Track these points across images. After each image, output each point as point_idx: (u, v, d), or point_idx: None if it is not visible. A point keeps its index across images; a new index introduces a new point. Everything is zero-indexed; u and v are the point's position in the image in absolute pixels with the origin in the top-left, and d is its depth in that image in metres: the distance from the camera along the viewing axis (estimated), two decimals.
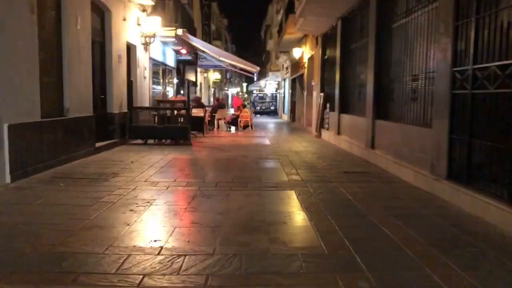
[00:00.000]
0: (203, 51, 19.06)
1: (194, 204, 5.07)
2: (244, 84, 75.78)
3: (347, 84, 11.31)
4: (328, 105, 13.58)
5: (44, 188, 5.75)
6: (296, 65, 22.24)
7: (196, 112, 15.09)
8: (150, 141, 11.78)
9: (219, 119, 17.32)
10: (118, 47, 10.94)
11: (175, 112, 12.69)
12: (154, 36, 13.43)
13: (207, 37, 21.80)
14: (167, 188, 5.86)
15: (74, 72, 8.14)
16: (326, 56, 14.22)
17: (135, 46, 12.71)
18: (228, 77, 60.61)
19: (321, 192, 5.81)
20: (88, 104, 8.86)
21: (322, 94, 14.45)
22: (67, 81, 7.85)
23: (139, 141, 11.70)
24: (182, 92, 22.15)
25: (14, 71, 6.07)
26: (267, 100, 42.53)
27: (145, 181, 6.34)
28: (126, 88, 11.75)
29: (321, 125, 14.27)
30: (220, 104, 17.57)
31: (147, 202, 5.05)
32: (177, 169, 7.57)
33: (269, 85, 38.70)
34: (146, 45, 13.49)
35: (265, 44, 51.65)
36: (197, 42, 15.25)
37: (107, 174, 6.77)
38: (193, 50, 18.50)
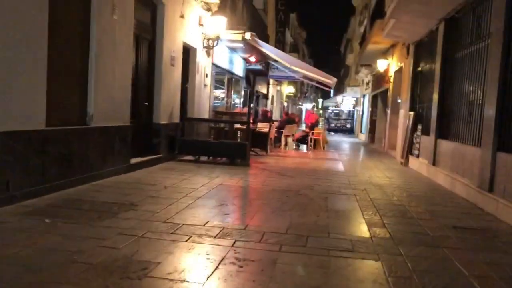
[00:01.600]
0: (275, 60, 17.31)
1: (216, 280, 3.11)
2: (320, 100, 73.29)
3: (449, 102, 8.84)
4: (419, 127, 11.08)
5: (18, 225, 4.11)
6: (379, 79, 19.73)
7: (261, 127, 13.27)
8: (204, 158, 10.10)
9: (287, 135, 15.36)
10: (171, 47, 9.42)
11: (235, 126, 10.93)
12: (218, 39, 11.84)
13: (281, 46, 20.02)
14: (187, 240, 3.97)
15: (105, 72, 6.61)
16: (419, 68, 11.75)
17: (194, 49, 11.19)
18: (304, 91, 58.67)
19: (427, 269, 3.59)
20: (123, 111, 7.31)
21: (411, 113, 11.97)
22: (92, 82, 6.32)
23: (190, 157, 10.06)
24: (252, 104, 20.57)
25: (4, 64, 4.56)
26: (343, 117, 39.92)
27: (164, 221, 4.51)
28: (179, 96, 10.20)
29: (409, 150, 11.77)
30: (289, 119, 15.61)
31: (143, 270, 3.17)
32: (217, 203, 5.68)
33: (346, 101, 36.15)
34: (208, 49, 11.93)
35: (344, 58, 49.19)
36: (268, 49, 13.48)
37: (121, 205, 5.05)
38: (264, 59, 16.78)
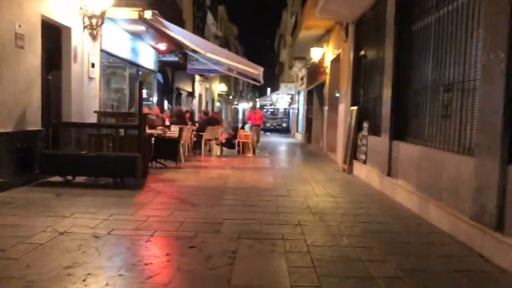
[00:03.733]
0: (193, 51, 14.57)
1: None
2: (258, 100, 71.38)
3: (408, 91, 6.57)
4: (365, 125, 8.84)
5: None
6: (314, 72, 17.59)
7: (173, 131, 10.51)
8: (83, 177, 7.19)
9: (208, 140, 12.66)
10: (15, 19, 6.42)
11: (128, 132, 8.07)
12: (103, 16, 8.92)
13: (201, 34, 17.28)
14: None
15: None
16: (362, 52, 9.52)
17: (68, 29, 8.22)
18: (238, 89, 56.21)
19: None
20: None
21: (354, 108, 9.73)
22: None
23: (59, 178, 7.11)
24: (168, 105, 17.66)
25: None
26: (279, 116, 37.96)
27: None
28: (39, 92, 7.20)
29: (353, 154, 9.51)
30: (210, 120, 12.91)
31: None
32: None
33: (281, 99, 34.10)
34: (92, 29, 8.97)
35: (278, 55, 47.35)
36: (178, 33, 10.70)
37: None
38: (179, 48, 13.97)
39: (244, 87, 68.12)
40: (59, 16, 7.81)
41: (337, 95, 13.21)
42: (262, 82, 13.29)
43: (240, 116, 59.00)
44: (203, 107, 23.44)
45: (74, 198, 5.89)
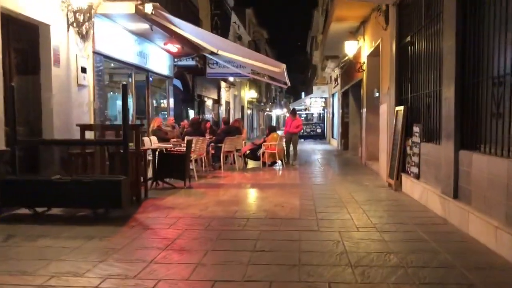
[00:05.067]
0: (212, 53, 13.05)
1: None
2: (291, 105, 69.52)
3: (483, 79, 4.67)
4: (416, 129, 6.95)
5: None
6: (348, 71, 15.70)
7: (175, 146, 8.97)
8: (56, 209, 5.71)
9: (228, 151, 11.03)
10: None
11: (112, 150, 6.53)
12: (91, 11, 7.51)
13: (222, 35, 15.73)
14: None
15: None
16: (407, 39, 7.63)
17: (46, 26, 6.82)
18: (271, 95, 54.58)
19: None
20: None
21: (400, 109, 7.85)
22: None
23: (27, 210, 5.65)
24: (191, 113, 16.20)
25: None
26: (313, 121, 35.94)
27: None
28: (0, 103, 5.79)
29: (400, 166, 7.62)
30: (229, 129, 11.27)
31: None
32: None
33: (315, 103, 32.14)
34: (79, 27, 7.56)
35: (311, 58, 45.45)
36: (187, 29, 9.16)
37: None
38: (195, 50, 12.47)
39: (277, 93, 66.46)
40: (32, 11, 6.42)
41: (377, 94, 11.33)
42: (289, 83, 11.56)
43: (274, 123, 57.31)
44: (225, 115, 21.90)
45: (23, 244, 4.38)
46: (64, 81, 7.23)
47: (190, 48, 12.13)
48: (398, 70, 8.18)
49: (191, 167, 8.67)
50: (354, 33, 12.69)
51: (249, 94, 32.69)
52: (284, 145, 12.39)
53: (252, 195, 7.30)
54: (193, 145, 8.74)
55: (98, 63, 8.36)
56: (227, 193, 7.52)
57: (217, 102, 21.23)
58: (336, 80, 21.24)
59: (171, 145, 9.11)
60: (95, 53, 8.23)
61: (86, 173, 6.31)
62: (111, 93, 10.51)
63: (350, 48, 12.38)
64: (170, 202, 6.62)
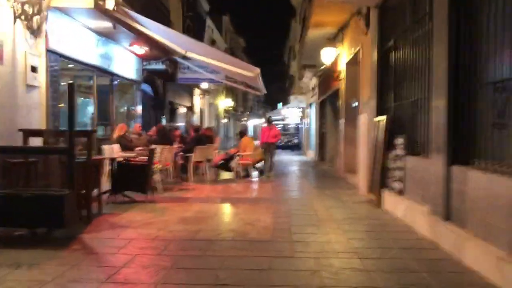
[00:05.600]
0: (183, 57, 12.35)
1: None
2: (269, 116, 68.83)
3: (481, 83, 4.11)
4: (400, 141, 6.38)
5: None
6: (326, 80, 15.22)
7: (140, 154, 8.19)
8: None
9: (198, 162, 10.28)
10: None
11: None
12: (41, 3, 6.74)
13: (192, 37, 15.00)
14: None
15: None
16: (390, 44, 7.11)
17: None
18: (248, 105, 53.96)
19: None
20: None
21: (381, 119, 7.30)
22: None
23: None
24: (163, 120, 15.39)
25: None
26: (290, 131, 35.51)
27: None
28: None
29: (382, 181, 7.03)
30: (200, 138, 10.53)
31: None
32: None
33: (292, 114, 31.67)
34: (29, 21, 6.76)
35: (288, 68, 45.14)
36: (150, 27, 8.41)
37: None
38: (164, 53, 11.73)
39: (255, 102, 65.92)
40: None
41: (355, 104, 10.82)
42: (264, 90, 10.97)
43: (251, 132, 56.64)
44: (197, 123, 21.13)
45: None
46: (8, 80, 6.38)
47: (159, 50, 11.37)
48: (380, 77, 7.64)
49: (157, 178, 7.91)
50: (332, 40, 12.19)
51: (224, 102, 31.99)
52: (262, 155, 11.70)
53: (220, 211, 6.57)
54: (157, 154, 7.98)
55: (52, 62, 7.52)
56: (192, 209, 6.76)
57: (190, 109, 20.45)
58: (313, 89, 20.78)
59: (135, 154, 8.31)
60: (49, 51, 7.40)
61: (28, 186, 5.49)
62: (81, 98, 9.75)
63: (327, 56, 11.86)
64: (125, 219, 5.84)
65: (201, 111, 23.12)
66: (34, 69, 6.99)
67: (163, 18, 12.04)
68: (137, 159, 8.02)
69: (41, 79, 7.21)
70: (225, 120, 35.38)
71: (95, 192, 6.21)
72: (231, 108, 34.54)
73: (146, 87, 14.60)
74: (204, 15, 18.87)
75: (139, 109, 12.28)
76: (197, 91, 21.08)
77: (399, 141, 6.39)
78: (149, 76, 13.71)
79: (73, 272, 3.67)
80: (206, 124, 21.28)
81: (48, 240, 4.72)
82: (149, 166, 7.28)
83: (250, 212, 6.58)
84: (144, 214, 6.24)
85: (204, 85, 20.15)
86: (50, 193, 4.78)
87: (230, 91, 33.64)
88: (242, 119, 50.38)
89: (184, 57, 12.51)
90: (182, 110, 19.62)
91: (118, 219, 5.82)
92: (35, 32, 7.00)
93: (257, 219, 5.99)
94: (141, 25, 8.45)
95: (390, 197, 6.69)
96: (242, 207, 6.96)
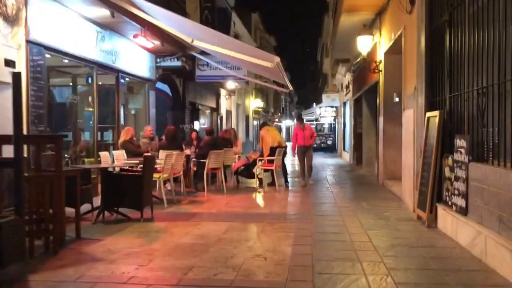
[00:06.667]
0: (201, 53, 11.19)
1: None
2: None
3: None
4: (461, 143, 4.83)
5: None
6: (362, 74, 13.64)
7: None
8: None
9: (214, 169, 8.98)
10: None
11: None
12: None
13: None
14: None
15: None
16: (444, 18, 5.55)
17: None
18: (280, 105, 52.57)
19: None
20: None
21: (434, 115, 5.76)
22: None
23: None
24: (187, 124, 14.25)
25: None
26: (324, 132, 33.78)
27: None
28: None
29: (434, 194, 5.49)
30: (215, 141, 9.21)
31: None
32: None
33: (326, 113, 29.99)
34: (4, 7, 5.67)
35: (321, 66, 43.43)
36: (155, 14, 7.18)
37: None
38: (179, 48, 10.53)
39: (287, 103, 64.34)
40: None
41: (397, 99, 9.27)
42: (290, 86, 9.56)
43: (284, 134, 55.05)
44: (229, 126, 19.90)
45: None
46: None
47: (172, 44, 10.19)
48: (430, 63, 6.10)
49: (168, 187, 6.68)
50: (368, 27, 10.64)
51: (254, 103, 30.72)
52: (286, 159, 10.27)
53: (227, 235, 5.23)
54: (159, 161, 6.74)
55: (35, 56, 6.41)
56: (193, 231, 5.44)
57: (215, 110, 19.26)
58: (347, 86, 19.18)
59: (137, 162, 7.08)
60: (30, 42, 6.29)
61: None
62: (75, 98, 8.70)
63: (363, 44, 10.29)
64: (103, 248, 4.58)
65: (228, 113, 21.91)
66: (9, 63, 5.89)
67: (177, 9, 10.84)
68: (138, 167, 6.82)
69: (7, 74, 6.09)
70: (255, 122, 34.09)
71: (80, 210, 5.00)
72: (261, 108, 33.19)
73: (163, 87, 13.50)
74: (228, 9, 17.61)
75: (152, 110, 11.13)
76: (222, 91, 19.87)
77: (460, 143, 4.84)
78: (166, 75, 12.59)
79: None
80: (232, 126, 20.03)
81: None
82: (146, 177, 6.01)
83: (265, 235, 5.19)
84: (131, 239, 4.96)
85: (231, 85, 18.96)
86: None
87: (260, 92, 32.34)
88: (274, 120, 49.00)
89: (203, 53, 11.31)
90: (205, 111, 18.47)
91: (94, 248, 4.57)
92: (10, 19, 5.89)
93: (272, 247, 4.59)
94: (143, 11, 7.22)
95: (447, 216, 5.14)
96: (256, 228, 5.58)
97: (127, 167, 6.98)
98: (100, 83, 9.86)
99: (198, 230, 5.48)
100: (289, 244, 4.71)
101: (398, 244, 4.72)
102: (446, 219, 5.19)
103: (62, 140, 4.72)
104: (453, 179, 5.06)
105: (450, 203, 5.14)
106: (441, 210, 5.39)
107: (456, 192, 4.93)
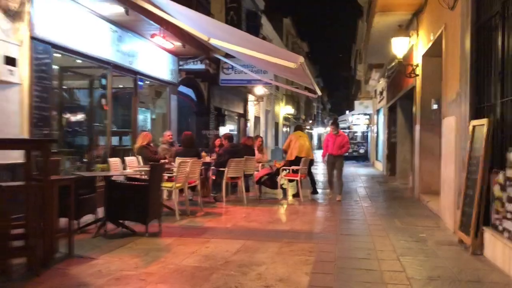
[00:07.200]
0: (227, 56, 10.68)
1: None
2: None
3: None
4: None
5: None
6: (396, 79, 12.78)
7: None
8: None
9: (234, 178, 8.38)
10: None
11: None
12: None
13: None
14: None
15: None
16: (495, 11, 4.76)
17: None
18: (312, 112, 51.64)
19: None
20: None
21: (480, 123, 4.95)
22: None
23: None
24: (212, 130, 13.78)
25: None
26: (356, 140, 32.66)
27: None
28: None
29: (480, 216, 4.68)
30: (236, 148, 8.60)
31: None
32: None
33: (358, 120, 28.97)
34: (1, 0, 5.29)
35: (355, 73, 42.32)
36: (168, 9, 6.68)
37: None
38: (203, 50, 10.04)
39: (319, 110, 63.22)
40: None
41: (435, 106, 8.42)
42: (318, 91, 8.86)
43: (315, 142, 53.94)
44: (256, 133, 19.31)
45: None
46: None
47: (196, 46, 9.70)
48: (475, 63, 5.30)
49: (176, 199, 6.12)
50: (404, 28, 9.82)
51: (284, 109, 30.05)
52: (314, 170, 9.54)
53: (236, 257, 4.58)
54: (174, 169, 6.19)
55: (40, 54, 6.01)
56: (200, 250, 4.82)
57: (243, 116, 18.71)
58: (381, 93, 18.27)
59: (147, 169, 6.56)
60: (35, 39, 5.89)
61: None
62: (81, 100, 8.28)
63: (399, 46, 9.45)
64: (94, 269, 4.03)
65: (256, 119, 21.34)
66: (10, 61, 5.49)
67: (201, 9, 10.36)
68: (143, 175, 6.29)
69: (22, 74, 5.70)
70: (286, 129, 33.38)
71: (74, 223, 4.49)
72: (291, 115, 32.46)
73: (187, 91, 13.06)
74: (257, 12, 17.08)
75: (173, 115, 10.66)
76: (250, 97, 19.32)
77: None
78: (190, 79, 12.13)
79: None
80: (260, 133, 19.44)
81: None
82: (151, 187, 5.46)
83: (281, 259, 4.51)
84: (128, 259, 4.40)
85: (259, 90, 18.36)
86: None
87: (291, 98, 31.65)
88: (306, 128, 48.12)
89: (228, 55, 10.78)
90: (234, 117, 17.95)
91: (83, 269, 4.03)
92: (12, 14, 5.50)
93: (287, 275, 3.92)
94: (156, 7, 6.72)
95: (497, 243, 4.33)
96: (271, 250, 4.91)
97: (138, 175, 6.48)
98: (121, 86, 9.48)
99: (206, 249, 4.87)
100: (306, 272, 4.02)
101: (437, 276, 3.95)
102: (496, 246, 4.37)
103: (51, 145, 4.22)
104: (504, 200, 4.26)
105: (500, 228, 4.33)
106: (489, 235, 4.58)
107: (509, 215, 4.13)
